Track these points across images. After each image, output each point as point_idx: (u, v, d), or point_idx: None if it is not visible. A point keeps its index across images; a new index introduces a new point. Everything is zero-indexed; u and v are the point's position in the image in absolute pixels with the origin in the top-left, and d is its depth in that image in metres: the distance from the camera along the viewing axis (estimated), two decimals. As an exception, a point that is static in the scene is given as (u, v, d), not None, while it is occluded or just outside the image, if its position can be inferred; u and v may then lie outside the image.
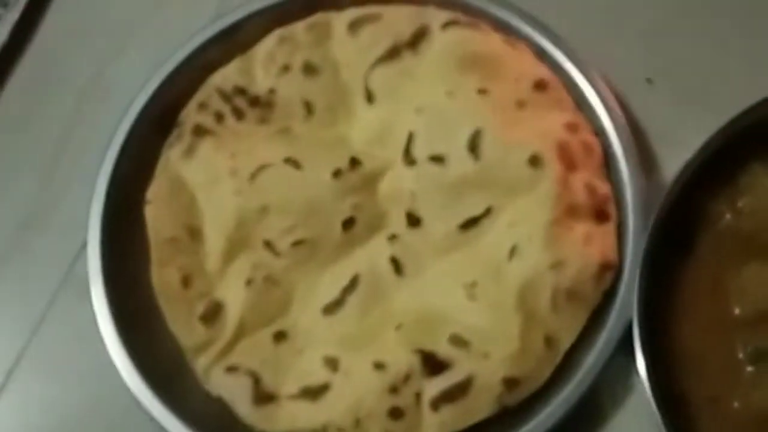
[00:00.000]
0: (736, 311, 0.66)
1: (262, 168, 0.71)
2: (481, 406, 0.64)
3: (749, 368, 0.64)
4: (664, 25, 0.77)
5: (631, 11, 0.78)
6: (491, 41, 0.73)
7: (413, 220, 0.69)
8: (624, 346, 0.65)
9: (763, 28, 0.76)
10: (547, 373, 0.65)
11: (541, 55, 0.73)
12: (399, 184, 0.70)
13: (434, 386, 0.65)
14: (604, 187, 0.69)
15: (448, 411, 0.64)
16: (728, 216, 0.68)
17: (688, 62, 0.75)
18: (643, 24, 0.77)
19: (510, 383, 0.64)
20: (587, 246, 0.66)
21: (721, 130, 0.67)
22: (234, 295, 0.69)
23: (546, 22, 0.74)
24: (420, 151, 0.70)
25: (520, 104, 0.70)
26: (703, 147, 0.67)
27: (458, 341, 0.66)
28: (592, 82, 0.72)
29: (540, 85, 0.71)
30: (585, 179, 0.68)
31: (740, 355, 0.65)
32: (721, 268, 0.67)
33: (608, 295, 0.67)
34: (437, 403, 0.65)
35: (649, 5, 0.78)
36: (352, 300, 0.69)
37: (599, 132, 0.71)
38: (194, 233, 0.71)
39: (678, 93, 0.75)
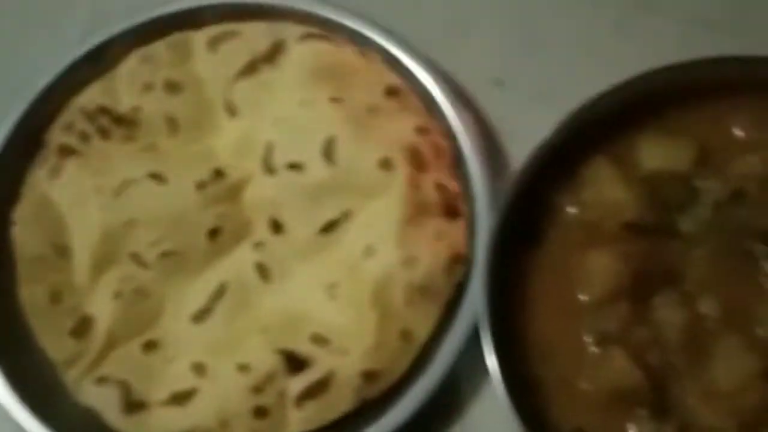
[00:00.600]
0: (581, 297, 0.68)
1: (126, 183, 0.73)
2: (342, 400, 0.67)
3: (594, 350, 0.67)
4: (511, 27, 0.81)
5: (478, 16, 0.82)
6: (344, 52, 0.76)
7: (276, 227, 0.72)
8: (478, 337, 0.67)
9: (604, 28, 0.81)
10: (404, 365, 0.68)
11: (394, 63, 0.76)
12: (261, 192, 0.73)
13: (296, 384, 0.67)
14: (453, 186, 0.72)
15: (311, 407, 0.67)
16: (573, 207, 0.71)
17: (535, 62, 0.79)
18: (491, 27, 0.81)
19: (368, 376, 0.67)
20: (437, 242, 0.69)
21: (559, 125, 0.70)
22: (103, 309, 0.71)
23: (399, 31, 0.78)
24: (278, 160, 0.73)
25: (373, 111, 0.74)
26: (543, 142, 0.70)
27: (319, 339, 0.68)
28: (442, 87, 0.75)
29: (391, 92, 0.75)
30: (435, 179, 0.71)
31: (586, 339, 0.67)
32: (566, 257, 0.70)
33: (462, 288, 0.69)
34: (300, 400, 0.67)
35: (495, 9, 0.82)
36: (220, 307, 0.71)
37: (450, 134, 0.74)
38: (62, 251, 0.73)
39: (526, 92, 0.79)
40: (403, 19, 0.79)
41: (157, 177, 0.74)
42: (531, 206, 0.71)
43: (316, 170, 0.72)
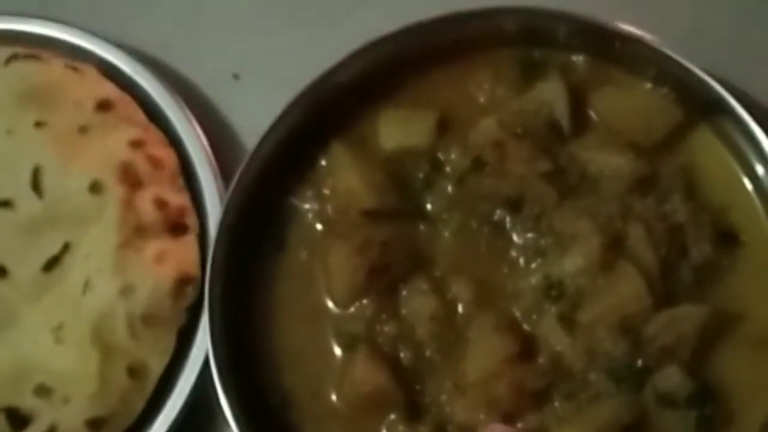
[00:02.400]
0: (328, 301, 0.63)
1: None
2: (66, 453, 0.61)
3: (340, 356, 0.61)
4: (246, 21, 0.76)
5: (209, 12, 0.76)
6: (52, 69, 0.71)
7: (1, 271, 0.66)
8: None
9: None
10: (139, 405, 0.62)
11: (113, 73, 0.70)
12: None
13: (19, 443, 0.61)
14: (177, 199, 0.66)
15: None
16: (313, 203, 0.66)
17: (269, 54, 0.74)
18: (224, 21, 0.76)
19: (93, 425, 0.61)
20: (160, 264, 0.64)
21: (283, 111, 0.65)
22: None
23: (125, 39, 0.73)
24: None
25: (83, 129, 0.68)
26: (265, 133, 0.65)
27: (42, 391, 0.63)
28: (166, 90, 0.70)
29: (103, 106, 0.69)
30: (154, 195, 0.66)
31: (334, 345, 0.62)
32: (310, 258, 0.65)
33: (197, 311, 0.64)
34: (27, 460, 0.61)
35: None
36: None
37: (175, 142, 0.68)
38: None
39: (264, 81, 0.73)
40: (132, 26, 0.75)
41: None
42: (266, 205, 0.65)
43: (27, 204, 0.67)
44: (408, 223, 0.64)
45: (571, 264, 0.61)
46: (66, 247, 0.66)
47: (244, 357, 0.62)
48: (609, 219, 0.62)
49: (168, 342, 0.63)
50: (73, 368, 0.63)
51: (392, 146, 0.66)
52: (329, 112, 0.67)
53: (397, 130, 0.67)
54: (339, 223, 0.65)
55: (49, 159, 0.67)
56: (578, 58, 0.67)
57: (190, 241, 0.66)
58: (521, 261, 0.62)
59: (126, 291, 0.63)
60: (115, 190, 0.65)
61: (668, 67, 0.65)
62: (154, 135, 0.69)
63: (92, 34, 0.73)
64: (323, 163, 0.66)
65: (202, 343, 0.63)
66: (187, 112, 0.70)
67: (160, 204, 0.66)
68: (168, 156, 0.68)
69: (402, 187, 0.65)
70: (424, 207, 0.65)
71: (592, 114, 0.66)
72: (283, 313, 0.64)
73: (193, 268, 0.65)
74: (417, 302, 0.62)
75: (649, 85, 0.66)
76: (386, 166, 0.66)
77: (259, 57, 0.74)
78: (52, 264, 0.66)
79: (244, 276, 0.64)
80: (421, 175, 0.65)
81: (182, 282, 0.64)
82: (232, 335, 0.62)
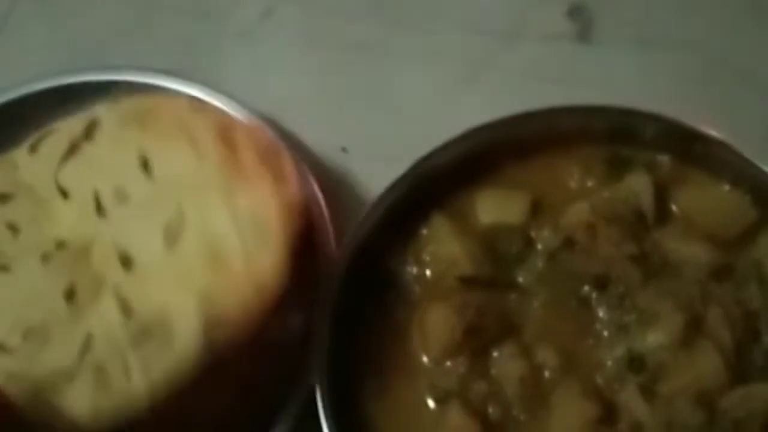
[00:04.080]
0: (422, 356, 0.69)
1: None
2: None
3: (433, 408, 0.67)
4: (356, 98, 0.84)
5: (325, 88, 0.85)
6: (146, 98, 0.79)
7: (126, 262, 0.72)
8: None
9: (447, 85, 0.84)
10: None
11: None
12: (102, 239, 0.73)
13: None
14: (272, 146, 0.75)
15: None
16: (413, 267, 0.72)
17: (377, 129, 0.82)
18: (337, 99, 0.84)
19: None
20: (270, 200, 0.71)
21: (391, 184, 0.72)
22: None
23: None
24: (107, 201, 0.74)
25: (180, 123, 0.76)
26: (374, 203, 0.71)
27: None
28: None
29: (196, 108, 0.77)
30: (251, 153, 0.73)
31: (427, 398, 0.67)
32: (407, 317, 0.71)
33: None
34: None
35: (339, 81, 0.85)
36: (89, 360, 0.70)
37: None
38: None
39: (371, 158, 0.80)
40: (257, 94, 0.82)
41: (1, 268, 0.74)
42: (370, 268, 0.72)
43: (139, 189, 0.73)
44: (500, 292, 0.71)
45: (654, 339, 0.67)
46: (181, 217, 0.72)
47: (343, 398, 0.68)
48: (690, 301, 0.68)
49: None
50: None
51: (489, 221, 0.73)
52: (431, 187, 0.74)
53: (494, 207, 0.73)
54: (436, 287, 0.71)
55: (153, 146, 0.75)
56: (662, 158, 0.74)
57: (290, 180, 0.72)
58: (605, 334, 0.68)
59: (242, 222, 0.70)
60: (217, 153, 0.73)
61: (745, 170, 0.72)
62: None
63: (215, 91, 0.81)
64: (424, 232, 0.73)
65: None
66: (310, 176, 0.77)
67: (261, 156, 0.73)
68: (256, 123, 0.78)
69: (496, 259, 0.71)
70: (516, 278, 0.71)
71: (674, 207, 0.73)
72: (380, 365, 0.70)
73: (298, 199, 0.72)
74: (507, 364, 0.68)
75: (727, 186, 0.73)
76: (482, 239, 0.72)
77: (366, 135, 0.81)
78: (171, 239, 0.71)
79: (347, 327, 0.70)
80: (514, 250, 0.72)
81: (290, 207, 0.70)
82: (336, 378, 0.68)
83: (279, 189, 0.72)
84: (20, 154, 0.79)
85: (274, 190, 0.72)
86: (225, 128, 0.75)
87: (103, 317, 0.71)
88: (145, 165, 0.74)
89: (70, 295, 0.71)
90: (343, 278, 0.71)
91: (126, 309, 0.70)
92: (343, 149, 0.82)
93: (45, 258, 0.73)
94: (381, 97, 0.84)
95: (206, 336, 0.68)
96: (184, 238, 0.72)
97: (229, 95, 0.81)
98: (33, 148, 0.78)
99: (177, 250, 0.72)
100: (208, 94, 0.82)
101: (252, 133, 0.75)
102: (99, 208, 0.74)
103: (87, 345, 0.70)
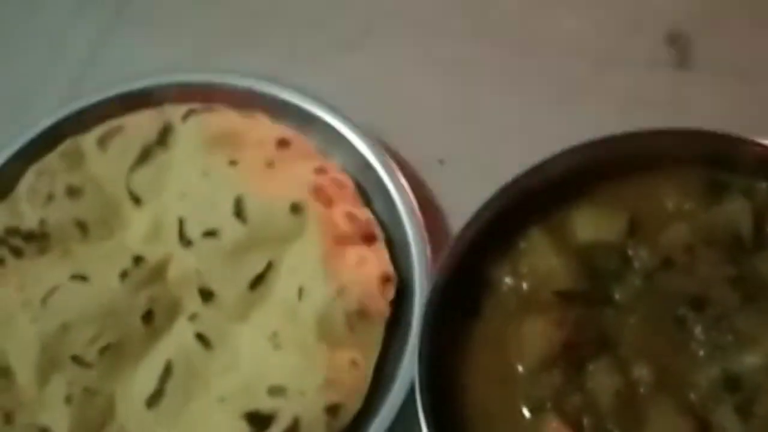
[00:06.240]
0: (517, 365, 0.71)
1: (51, 291, 0.77)
2: (315, 439, 0.71)
3: (529, 417, 0.69)
4: (453, 113, 0.87)
5: (424, 103, 0.88)
6: (229, 118, 0.83)
7: (206, 295, 0.75)
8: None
9: (544, 104, 0.86)
10: (362, 391, 0.72)
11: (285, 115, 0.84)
12: (184, 266, 0.77)
13: (268, 441, 0.71)
14: (363, 213, 0.78)
15: None
16: (509, 278, 0.75)
17: (474, 144, 0.85)
18: (435, 113, 0.87)
19: (332, 410, 0.71)
20: (362, 267, 0.75)
21: (492, 198, 0.74)
22: (57, 417, 0.74)
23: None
24: (193, 232, 0.77)
25: (270, 164, 0.80)
26: (475, 215, 0.74)
27: (276, 391, 0.72)
28: (388, 169, 0.81)
29: (283, 143, 0.81)
30: (344, 210, 0.77)
31: (522, 407, 0.70)
32: (503, 327, 0.73)
33: (397, 306, 0.75)
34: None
35: (438, 96, 0.88)
36: (171, 386, 0.74)
37: (391, 213, 0.79)
38: (2, 372, 0.76)
39: (467, 171, 0.84)
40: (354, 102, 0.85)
41: (79, 278, 0.77)
42: (468, 277, 0.74)
43: (232, 231, 0.76)
44: (596, 308, 0.73)
45: (751, 361, 0.68)
46: (270, 265, 0.75)
47: (441, 404, 0.70)
48: (786, 326, 0.69)
49: (379, 333, 0.74)
50: (298, 366, 0.72)
51: (587, 238, 0.75)
52: (530, 202, 0.76)
53: (592, 224, 0.75)
54: (532, 299, 0.74)
55: (249, 189, 0.77)
56: (761, 185, 0.76)
57: (381, 247, 0.77)
58: (701, 353, 0.70)
59: (341, 291, 0.73)
60: (314, 208, 0.76)
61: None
62: (330, 163, 0.80)
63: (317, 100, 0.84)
64: (522, 245, 0.75)
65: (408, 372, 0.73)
66: (407, 188, 0.80)
67: (351, 217, 0.77)
68: (347, 179, 0.79)
69: (593, 275, 0.74)
70: (613, 295, 0.73)
71: (772, 234, 0.74)
72: (477, 373, 0.72)
73: (389, 267, 0.75)
74: (602, 378, 0.70)
75: (824, 216, 0.75)
76: (580, 254, 0.74)
77: (464, 148, 0.84)
78: (257, 282, 0.75)
79: (440, 333, 0.72)
80: (611, 267, 0.74)
81: (384, 279, 0.75)
82: (435, 383, 0.70)
83: (371, 255, 0.75)
84: (88, 145, 0.82)
85: (368, 257, 0.75)
86: (319, 180, 0.78)
87: (180, 346, 0.74)
88: (239, 206, 0.76)
89: (147, 316, 0.75)
90: (442, 287, 0.73)
91: (204, 340, 0.74)
92: (441, 161, 0.84)
93: (123, 275, 0.76)
94: (478, 113, 0.87)
95: None
96: (273, 291, 0.75)
97: (331, 107, 0.84)
98: (102, 144, 0.81)
99: (263, 301, 0.75)
100: (309, 103, 0.84)
101: (343, 186, 0.79)
102: (183, 238, 0.77)
103: (168, 371, 0.73)
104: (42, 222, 0.80)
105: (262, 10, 0.95)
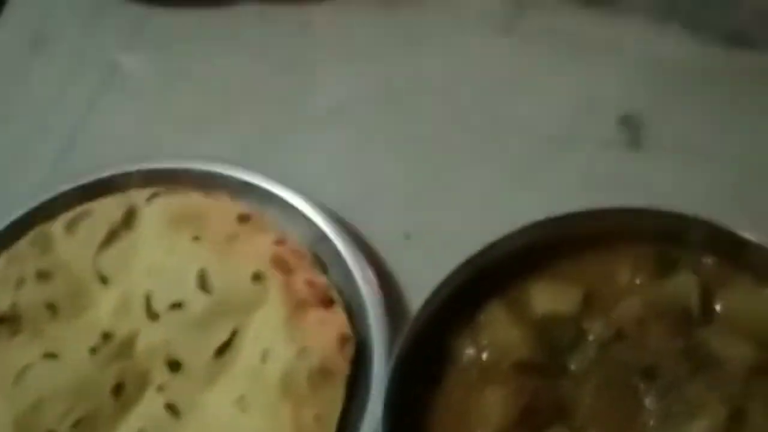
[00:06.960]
0: (478, 435, 0.74)
1: (23, 370, 0.80)
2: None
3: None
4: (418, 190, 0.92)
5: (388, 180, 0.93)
6: (191, 198, 0.87)
7: (174, 365, 0.78)
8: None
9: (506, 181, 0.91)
10: None
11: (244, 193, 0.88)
12: (151, 339, 0.80)
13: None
14: (321, 280, 0.82)
15: None
16: (470, 349, 0.78)
17: (438, 219, 0.89)
18: (399, 189, 0.92)
19: None
20: (322, 327, 0.79)
21: (452, 272, 0.78)
22: None
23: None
24: (159, 305, 0.81)
25: (231, 238, 0.84)
26: (436, 288, 0.77)
27: None
28: (347, 244, 0.84)
29: (243, 218, 0.86)
30: (303, 278, 0.81)
31: (486, 478, 0.73)
32: (464, 397, 0.76)
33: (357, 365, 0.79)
34: None
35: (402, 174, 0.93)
36: None
37: (351, 288, 0.82)
38: None
39: (431, 245, 0.88)
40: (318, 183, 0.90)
41: (49, 356, 0.81)
42: (429, 348, 0.77)
43: (196, 303, 0.80)
44: (552, 377, 0.76)
45: (699, 428, 0.72)
46: (234, 332, 0.79)
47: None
48: (732, 395, 0.73)
49: (341, 389, 0.77)
50: (267, 425, 0.75)
51: (543, 311, 0.79)
52: (489, 277, 0.80)
53: (549, 298, 0.79)
54: (491, 370, 0.77)
55: (211, 262, 0.82)
56: (708, 260, 0.80)
57: (339, 310, 0.80)
58: (651, 422, 0.73)
59: (302, 351, 0.77)
60: (274, 277, 0.80)
61: (787, 275, 0.78)
62: (287, 235, 0.84)
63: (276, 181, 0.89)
64: (482, 318, 0.79)
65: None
66: (367, 264, 0.83)
67: (310, 283, 0.81)
68: (305, 250, 0.83)
69: (549, 347, 0.77)
70: (568, 365, 0.76)
71: (718, 307, 0.78)
72: (438, 437, 0.75)
73: (347, 329, 0.79)
74: (556, 446, 0.73)
75: (769, 290, 0.79)
76: (537, 326, 0.78)
77: (427, 223, 0.89)
78: (223, 349, 0.79)
79: (408, 406, 0.75)
80: (566, 339, 0.77)
81: (343, 339, 0.78)
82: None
83: (330, 318, 0.79)
84: (56, 231, 0.86)
85: (327, 319, 0.79)
86: (278, 250, 0.82)
87: (150, 416, 0.77)
88: (203, 278, 0.81)
89: (117, 390, 0.78)
90: (404, 359, 0.76)
91: (173, 410, 0.77)
92: (407, 236, 0.88)
93: (93, 351, 0.80)
94: (442, 191, 0.91)
95: None
96: (239, 357, 0.79)
97: (292, 187, 0.88)
98: (70, 229, 0.85)
99: (229, 367, 0.79)
100: (269, 182, 0.88)
101: (301, 256, 0.83)
102: (150, 312, 0.80)
103: None
104: (13, 306, 0.83)
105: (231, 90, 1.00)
